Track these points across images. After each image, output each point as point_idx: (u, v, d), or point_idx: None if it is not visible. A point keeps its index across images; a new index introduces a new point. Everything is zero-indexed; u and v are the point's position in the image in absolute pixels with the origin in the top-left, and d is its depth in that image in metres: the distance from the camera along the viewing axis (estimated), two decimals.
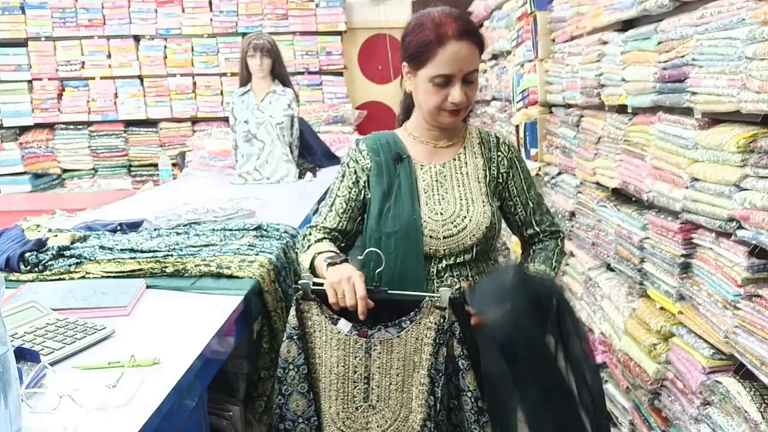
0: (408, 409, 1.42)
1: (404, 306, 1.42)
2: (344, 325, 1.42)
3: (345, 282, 1.35)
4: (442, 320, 1.40)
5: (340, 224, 1.57)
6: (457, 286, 1.50)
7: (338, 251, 1.50)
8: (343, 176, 1.60)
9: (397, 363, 1.41)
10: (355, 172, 1.57)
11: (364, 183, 1.57)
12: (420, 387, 1.41)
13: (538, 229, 1.65)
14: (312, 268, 1.48)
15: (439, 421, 1.40)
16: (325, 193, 1.68)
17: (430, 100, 1.50)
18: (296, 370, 1.43)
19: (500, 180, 1.62)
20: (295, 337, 1.42)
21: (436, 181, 1.57)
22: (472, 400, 1.40)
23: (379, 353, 1.42)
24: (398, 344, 1.41)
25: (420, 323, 1.41)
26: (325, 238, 1.55)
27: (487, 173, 1.60)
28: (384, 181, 1.54)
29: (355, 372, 1.42)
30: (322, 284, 1.40)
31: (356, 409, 1.43)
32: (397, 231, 1.51)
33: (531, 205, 1.64)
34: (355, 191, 1.57)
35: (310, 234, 1.57)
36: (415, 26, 1.50)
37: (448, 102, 1.49)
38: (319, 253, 1.47)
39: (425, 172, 1.58)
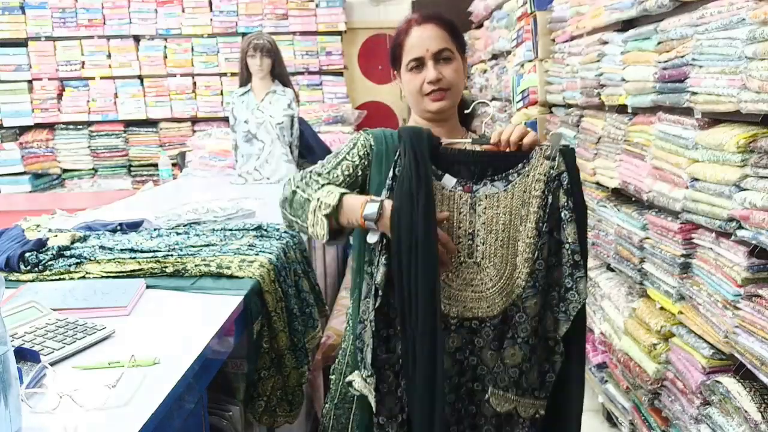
0: (513, 265, 1.38)
1: (510, 161, 1.38)
2: (449, 180, 1.38)
3: None
4: (550, 171, 1.35)
5: (345, 183, 1.48)
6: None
7: None
8: (355, 146, 1.52)
9: (504, 218, 1.38)
10: (367, 151, 1.51)
11: (369, 163, 1.53)
12: (526, 241, 1.36)
13: None
14: (337, 209, 1.38)
15: (540, 277, 1.36)
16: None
17: (411, 86, 1.53)
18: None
19: None
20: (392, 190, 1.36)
21: None
22: (569, 252, 1.35)
23: (485, 209, 1.38)
24: (505, 198, 1.38)
25: (528, 175, 1.37)
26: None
27: None
28: (382, 173, 1.52)
29: (460, 227, 1.39)
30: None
31: (461, 263, 1.39)
32: None
33: None
34: (364, 162, 1.51)
35: (310, 176, 1.48)
36: (394, 34, 1.59)
37: (425, 84, 1.51)
38: (345, 193, 1.40)
39: None
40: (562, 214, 1.35)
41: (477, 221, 1.39)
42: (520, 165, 1.37)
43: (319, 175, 1.48)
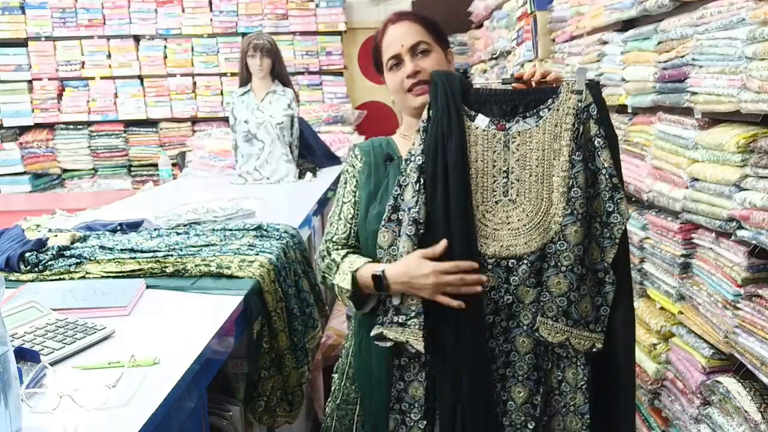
0: (549, 201, 1.39)
1: (540, 97, 1.42)
2: (482, 120, 1.41)
3: (431, 276, 1.34)
4: (579, 103, 1.38)
5: (352, 230, 1.56)
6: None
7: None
8: (345, 183, 1.60)
9: (537, 153, 1.40)
10: (354, 176, 1.58)
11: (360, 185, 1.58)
12: (561, 174, 1.38)
13: None
14: (355, 289, 1.46)
15: (578, 205, 1.36)
16: (327, 201, 1.67)
17: (393, 85, 1.55)
18: (414, 160, 1.42)
19: None
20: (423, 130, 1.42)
21: None
22: (606, 177, 1.37)
23: (518, 145, 1.40)
24: (537, 133, 1.40)
25: (558, 110, 1.39)
26: (348, 253, 1.53)
27: None
28: (371, 183, 1.55)
29: (494, 166, 1.41)
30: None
31: (496, 202, 1.41)
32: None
33: None
34: (357, 191, 1.57)
35: (329, 254, 1.54)
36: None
37: (405, 79, 1.52)
38: (356, 269, 1.46)
39: None
40: (596, 142, 1.38)
41: (511, 158, 1.41)
42: (549, 101, 1.41)
43: (332, 242, 1.56)
